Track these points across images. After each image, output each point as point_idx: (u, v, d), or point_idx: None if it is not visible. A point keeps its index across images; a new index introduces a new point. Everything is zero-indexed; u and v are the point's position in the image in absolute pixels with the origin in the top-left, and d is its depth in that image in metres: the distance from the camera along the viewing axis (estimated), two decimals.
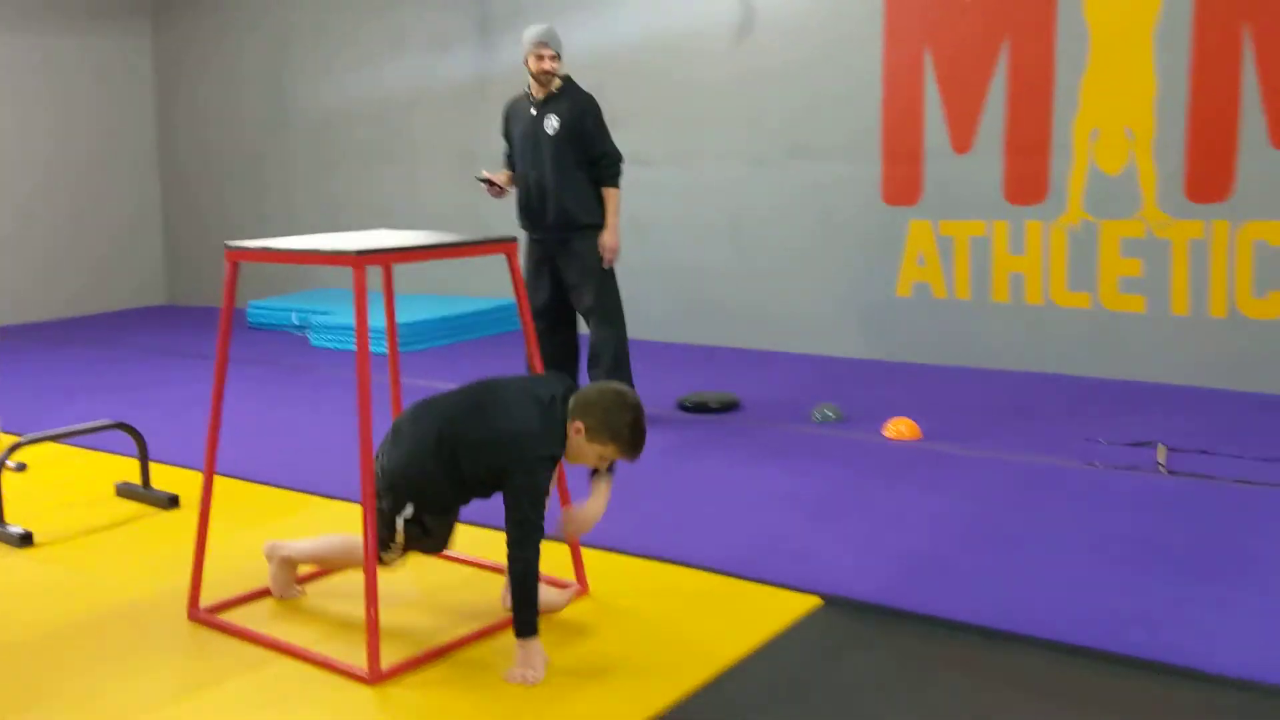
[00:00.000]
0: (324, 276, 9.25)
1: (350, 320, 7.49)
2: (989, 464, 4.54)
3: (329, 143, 9.24)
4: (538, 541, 2.79)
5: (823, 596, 3.25)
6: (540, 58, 5.13)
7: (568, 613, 3.18)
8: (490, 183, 5.20)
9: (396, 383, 3.60)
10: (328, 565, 3.30)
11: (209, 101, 9.98)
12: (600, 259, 5.18)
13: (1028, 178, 6.14)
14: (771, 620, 3.09)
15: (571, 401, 2.88)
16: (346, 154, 9.14)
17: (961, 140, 6.32)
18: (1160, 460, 4.46)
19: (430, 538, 3.02)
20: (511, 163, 5.31)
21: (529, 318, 3.40)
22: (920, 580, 3.37)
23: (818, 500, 4.17)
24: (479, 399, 2.96)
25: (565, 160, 5.14)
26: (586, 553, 3.47)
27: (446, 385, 6.47)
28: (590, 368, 5.23)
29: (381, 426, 3.31)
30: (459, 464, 2.88)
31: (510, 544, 2.78)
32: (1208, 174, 5.64)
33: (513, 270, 3.28)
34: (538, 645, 2.80)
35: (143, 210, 10.34)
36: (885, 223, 6.60)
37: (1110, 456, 4.55)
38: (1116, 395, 5.62)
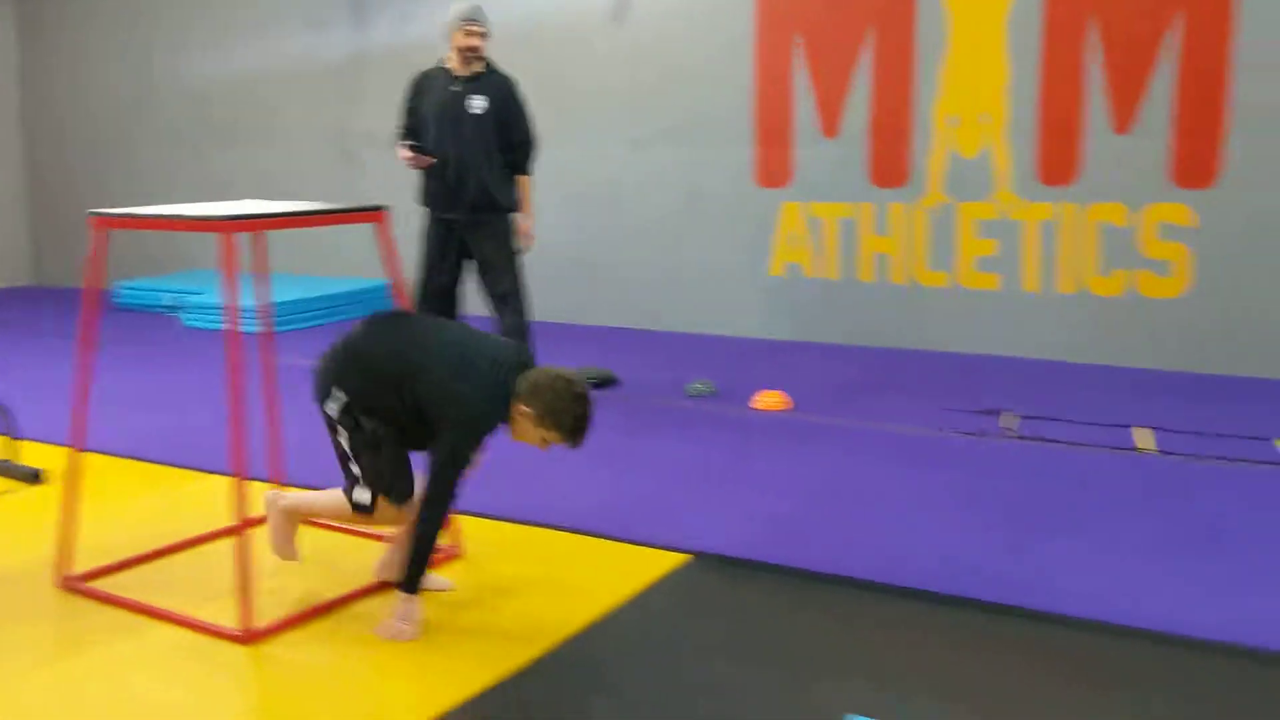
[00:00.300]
0: (196, 257, 9.05)
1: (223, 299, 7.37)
2: (853, 432, 4.75)
3: (200, 120, 9.04)
4: (448, 506, 2.85)
5: (692, 553, 3.39)
6: (469, 34, 5.05)
7: (442, 574, 3.25)
8: (423, 151, 5.04)
9: (269, 360, 3.61)
10: (321, 519, 3.29)
11: (76, 77, 9.65)
12: (515, 243, 5.22)
13: (891, 161, 6.39)
14: (642, 576, 3.21)
15: (521, 383, 2.86)
16: (218, 132, 8.95)
17: (829, 125, 6.54)
18: (1008, 426, 4.73)
19: (378, 451, 2.91)
20: (412, 137, 5.17)
21: (402, 293, 3.44)
22: (785, 536, 3.54)
23: (689, 466, 4.31)
24: (453, 345, 2.93)
25: (488, 141, 5.11)
26: (462, 519, 3.54)
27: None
28: None
29: (254, 401, 3.33)
30: (404, 389, 2.86)
31: (423, 501, 2.82)
32: (1057, 158, 5.97)
33: (384, 241, 3.32)
34: (418, 603, 2.87)
35: (6, 188, 9.95)
36: (758, 204, 6.79)
37: (964, 424, 4.80)
38: (973, 368, 5.91)
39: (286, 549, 3.17)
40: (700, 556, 3.37)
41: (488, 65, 5.17)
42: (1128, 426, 4.67)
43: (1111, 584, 3.14)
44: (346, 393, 2.90)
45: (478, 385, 2.83)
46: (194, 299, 7.77)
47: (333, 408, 2.91)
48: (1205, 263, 5.67)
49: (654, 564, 3.31)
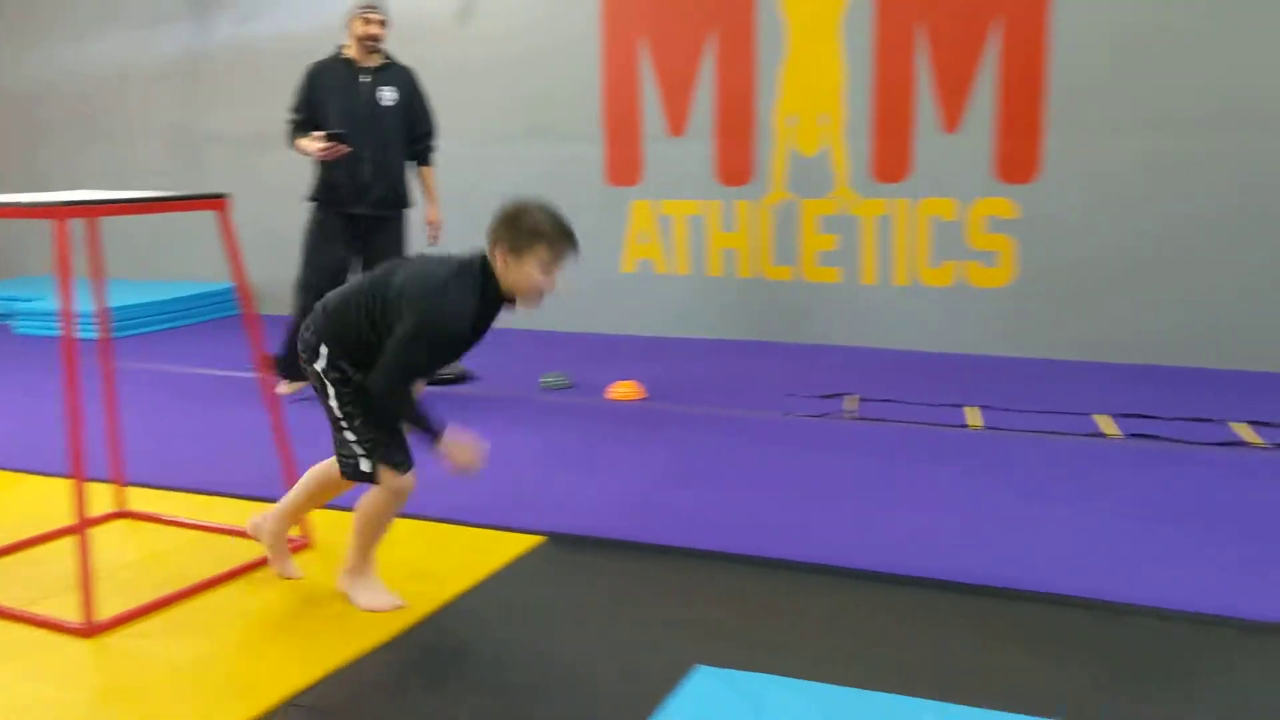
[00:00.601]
0: (24, 264, 8.67)
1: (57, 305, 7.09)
2: (705, 418, 4.88)
3: (36, 118, 8.68)
4: (399, 407, 2.72)
5: (546, 534, 3.45)
6: (368, 21, 4.93)
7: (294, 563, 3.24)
8: (342, 139, 4.84)
9: (109, 365, 3.53)
10: (307, 510, 3.17)
11: None
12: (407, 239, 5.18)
13: (736, 160, 6.59)
14: (496, 558, 3.26)
15: (486, 247, 2.73)
16: (55, 130, 8.61)
17: (677, 124, 6.70)
18: (849, 408, 4.94)
19: (370, 415, 2.78)
20: (309, 130, 4.97)
21: (245, 287, 3.39)
22: (636, 515, 3.64)
23: (544, 454, 4.37)
24: (420, 258, 2.87)
25: (400, 134, 5.04)
26: (312, 512, 3.52)
27: (164, 369, 6.24)
28: None
29: (93, 405, 3.25)
30: (375, 312, 2.73)
31: (376, 395, 2.70)
32: (890, 156, 6.25)
33: (225, 231, 3.28)
34: (456, 434, 2.74)
35: None
36: (609, 202, 6.90)
37: (809, 408, 4.99)
38: (817, 357, 6.13)
39: (289, 569, 3.13)
40: (554, 537, 3.44)
41: (387, 55, 5.10)
42: (960, 406, 4.94)
43: (945, 543, 3.34)
44: (329, 345, 2.79)
45: (445, 269, 2.72)
46: (25, 305, 7.45)
47: (320, 364, 2.80)
48: (1028, 253, 6.02)
49: (509, 546, 3.36)
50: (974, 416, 4.77)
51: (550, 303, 7.25)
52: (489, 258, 2.73)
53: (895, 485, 3.91)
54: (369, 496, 2.90)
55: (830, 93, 6.33)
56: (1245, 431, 4.46)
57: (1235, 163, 5.57)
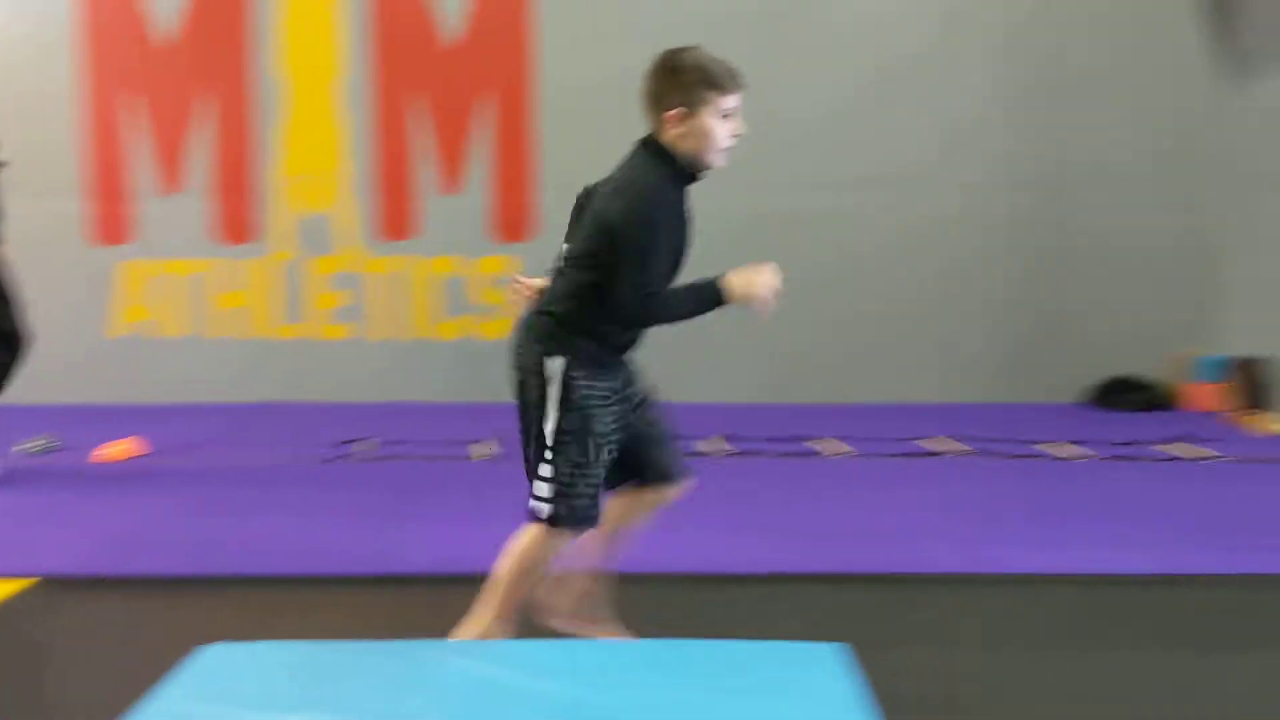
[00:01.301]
0: None
1: None
2: (209, 470, 4.73)
3: None
4: (666, 310, 2.42)
5: (40, 577, 3.23)
6: None
7: None
8: None
9: None
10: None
11: None
12: None
13: (237, 218, 6.46)
14: None
15: (653, 126, 2.41)
16: None
17: (169, 181, 6.45)
18: (366, 450, 5.03)
19: (584, 448, 2.39)
20: None
21: None
22: (131, 551, 3.48)
23: (31, 511, 4.03)
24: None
25: None
26: None
27: None
28: None
29: None
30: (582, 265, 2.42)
31: (634, 317, 2.42)
32: (396, 215, 6.46)
33: None
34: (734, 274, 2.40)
35: None
36: (92, 263, 6.44)
37: (324, 454, 5.02)
38: (329, 414, 6.06)
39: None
40: (47, 580, 3.21)
41: None
42: (467, 443, 5.18)
43: (455, 545, 3.51)
44: (563, 352, 2.43)
45: (617, 176, 2.43)
46: None
47: (553, 386, 2.40)
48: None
49: None
50: (482, 449, 5.06)
51: (29, 373, 6.54)
52: (654, 135, 2.45)
53: (415, 506, 4.05)
54: (526, 536, 2.50)
55: (332, 152, 6.44)
56: (714, 444, 5.16)
57: (717, 214, 6.35)
